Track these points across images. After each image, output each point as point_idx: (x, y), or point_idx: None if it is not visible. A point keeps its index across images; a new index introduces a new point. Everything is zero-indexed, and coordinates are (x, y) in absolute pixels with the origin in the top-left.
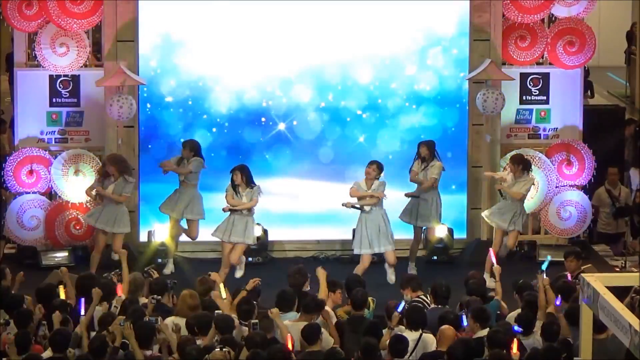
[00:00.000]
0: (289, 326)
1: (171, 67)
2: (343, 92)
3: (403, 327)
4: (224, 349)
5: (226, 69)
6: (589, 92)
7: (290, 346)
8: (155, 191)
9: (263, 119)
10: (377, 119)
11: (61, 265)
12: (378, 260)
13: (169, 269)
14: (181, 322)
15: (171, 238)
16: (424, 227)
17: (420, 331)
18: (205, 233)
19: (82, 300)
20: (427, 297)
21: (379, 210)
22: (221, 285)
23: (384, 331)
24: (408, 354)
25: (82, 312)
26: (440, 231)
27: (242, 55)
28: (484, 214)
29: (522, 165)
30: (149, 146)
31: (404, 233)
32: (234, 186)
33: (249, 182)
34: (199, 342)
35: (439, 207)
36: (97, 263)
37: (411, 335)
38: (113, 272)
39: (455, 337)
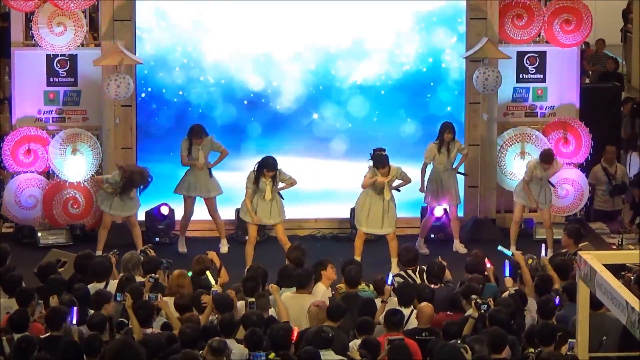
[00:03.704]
0: (288, 298)
1: (168, 46)
2: (341, 71)
3: (395, 300)
4: None
5: (223, 47)
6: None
7: (295, 336)
8: (152, 170)
9: (252, 95)
10: (375, 97)
11: (59, 244)
12: (375, 238)
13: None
14: (170, 300)
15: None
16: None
17: (412, 307)
18: (203, 212)
19: (75, 309)
20: (414, 273)
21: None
22: (208, 273)
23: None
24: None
25: (74, 322)
26: None
27: (240, 34)
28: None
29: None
30: (147, 125)
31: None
32: (257, 178)
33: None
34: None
35: (457, 185)
36: (104, 240)
37: (403, 312)
38: (112, 252)
39: (433, 314)
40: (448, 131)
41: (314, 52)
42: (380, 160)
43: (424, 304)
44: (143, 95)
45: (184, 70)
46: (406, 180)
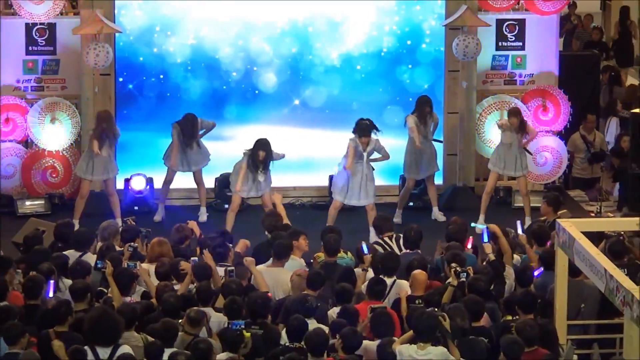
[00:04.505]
0: (263, 272)
1: (146, 26)
2: (319, 42)
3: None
4: None
5: (200, 17)
6: None
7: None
8: (131, 139)
9: (231, 79)
10: (353, 67)
11: (37, 213)
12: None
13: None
14: (151, 268)
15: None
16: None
17: (395, 277)
18: (182, 180)
19: (52, 282)
20: (391, 240)
21: (365, 164)
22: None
23: (358, 274)
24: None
25: (50, 294)
26: None
27: (218, 5)
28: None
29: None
30: (126, 95)
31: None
32: (255, 164)
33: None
34: (176, 287)
35: (436, 154)
36: (81, 209)
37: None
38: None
39: (427, 281)
40: (427, 105)
41: (295, 23)
42: (364, 129)
43: (417, 271)
44: (121, 79)
45: (162, 50)
46: (384, 156)
